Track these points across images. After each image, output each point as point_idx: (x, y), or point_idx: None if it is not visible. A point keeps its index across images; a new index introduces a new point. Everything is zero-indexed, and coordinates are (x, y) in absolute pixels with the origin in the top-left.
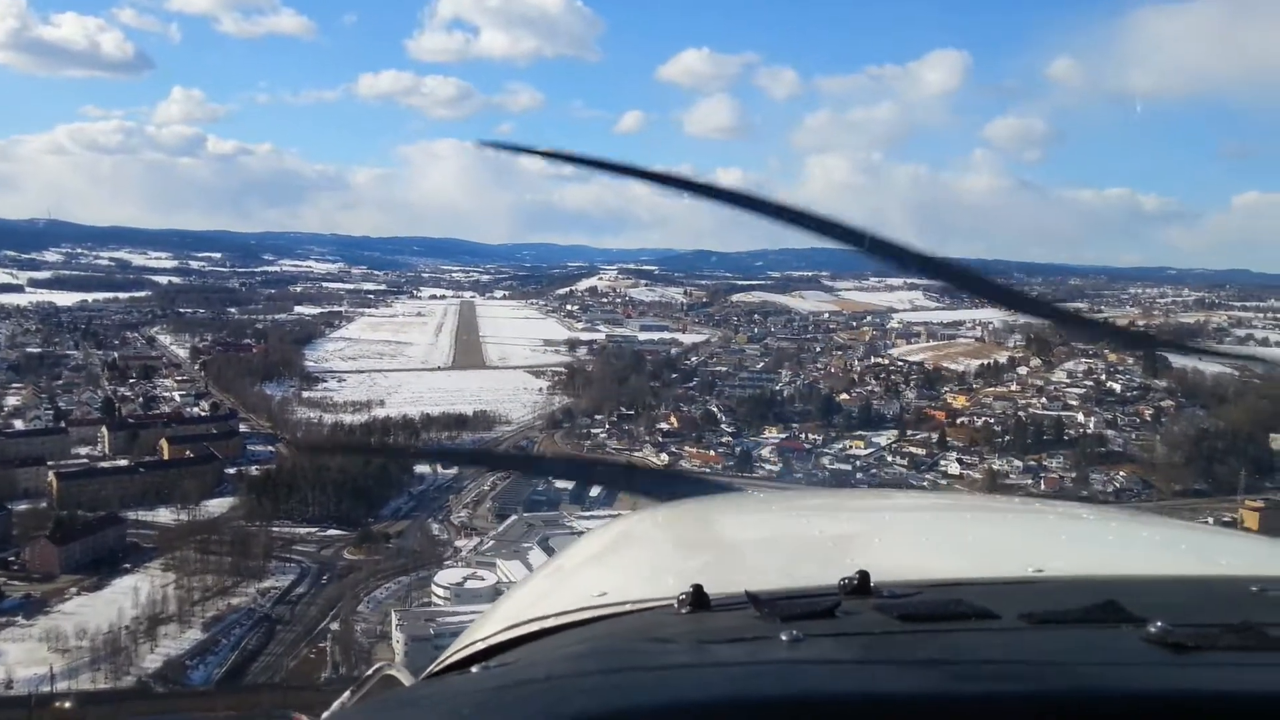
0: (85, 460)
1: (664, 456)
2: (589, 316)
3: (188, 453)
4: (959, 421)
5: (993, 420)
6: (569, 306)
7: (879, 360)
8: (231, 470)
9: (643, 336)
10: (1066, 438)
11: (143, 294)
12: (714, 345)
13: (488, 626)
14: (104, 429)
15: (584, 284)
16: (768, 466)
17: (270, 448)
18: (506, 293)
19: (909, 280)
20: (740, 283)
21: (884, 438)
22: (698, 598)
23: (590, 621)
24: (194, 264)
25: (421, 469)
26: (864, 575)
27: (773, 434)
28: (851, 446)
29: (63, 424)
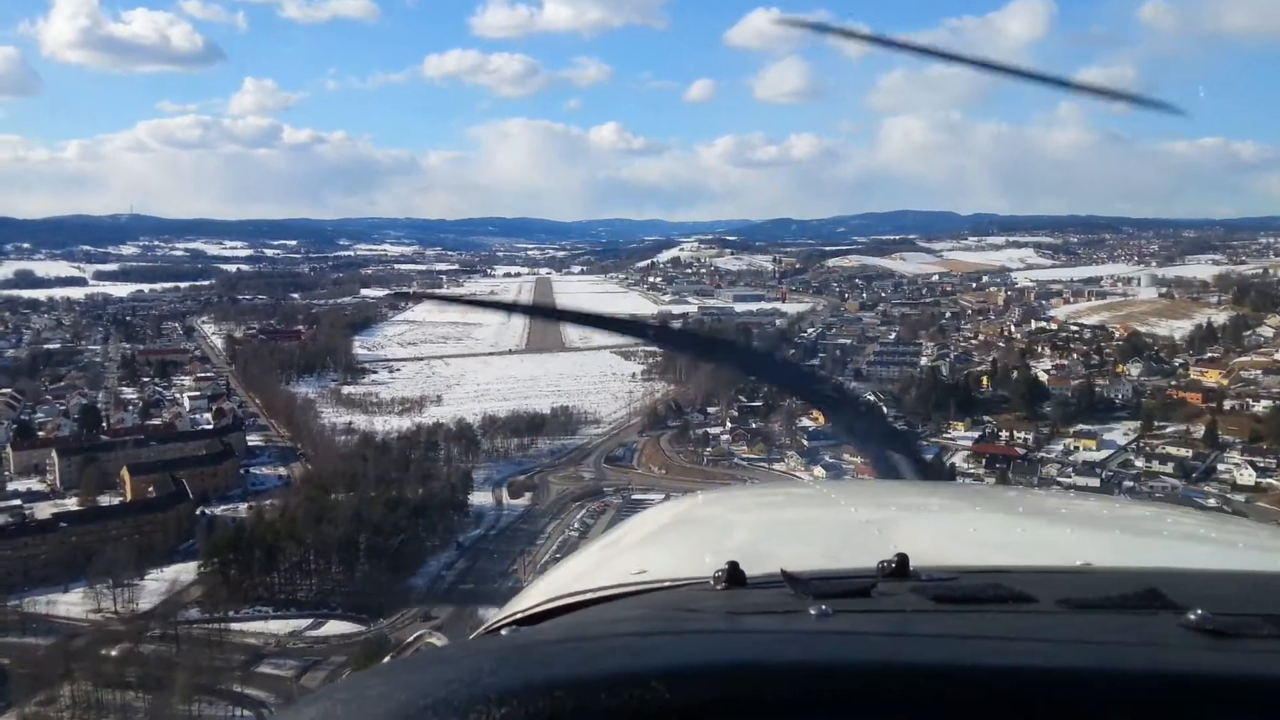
0: (18, 501)
1: (818, 470)
2: (675, 288)
3: (150, 490)
4: (1225, 407)
5: (1276, 403)
6: (652, 279)
7: (1042, 325)
8: (212, 511)
9: (739, 308)
10: None
11: (206, 282)
12: (823, 314)
13: (528, 599)
14: (53, 454)
15: (665, 255)
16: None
17: (281, 471)
18: (584, 267)
19: (1012, 239)
20: (828, 249)
21: (1119, 433)
22: (733, 575)
23: (627, 596)
24: (269, 252)
25: (479, 500)
26: (903, 559)
27: (960, 430)
28: (1078, 447)
29: (6, 448)
